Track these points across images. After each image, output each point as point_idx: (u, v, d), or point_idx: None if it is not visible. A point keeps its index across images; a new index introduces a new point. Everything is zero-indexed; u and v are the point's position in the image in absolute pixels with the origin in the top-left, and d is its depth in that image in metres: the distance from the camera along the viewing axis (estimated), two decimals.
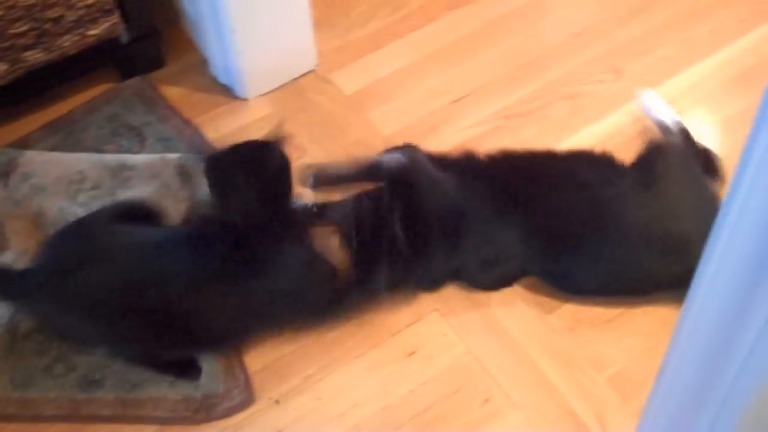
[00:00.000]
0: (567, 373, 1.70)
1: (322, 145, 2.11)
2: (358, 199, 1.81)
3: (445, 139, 2.10)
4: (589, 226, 1.72)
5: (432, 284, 1.81)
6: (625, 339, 1.74)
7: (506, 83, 2.22)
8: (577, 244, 1.73)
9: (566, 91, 2.20)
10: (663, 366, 1.19)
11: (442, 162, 1.86)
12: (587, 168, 1.80)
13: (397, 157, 1.86)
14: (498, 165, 1.83)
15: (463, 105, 2.18)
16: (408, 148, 1.93)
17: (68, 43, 2.05)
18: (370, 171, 1.86)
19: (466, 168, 1.83)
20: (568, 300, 1.80)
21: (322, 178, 1.88)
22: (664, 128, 1.97)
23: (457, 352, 1.74)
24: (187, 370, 1.72)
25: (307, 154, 2.08)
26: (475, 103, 2.18)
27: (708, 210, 1.74)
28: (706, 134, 2.02)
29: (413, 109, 2.18)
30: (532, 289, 1.82)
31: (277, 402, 1.69)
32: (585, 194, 1.74)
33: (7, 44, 1.96)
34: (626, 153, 2.01)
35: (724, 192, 1.85)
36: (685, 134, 1.94)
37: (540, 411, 1.65)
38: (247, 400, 1.69)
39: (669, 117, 1.99)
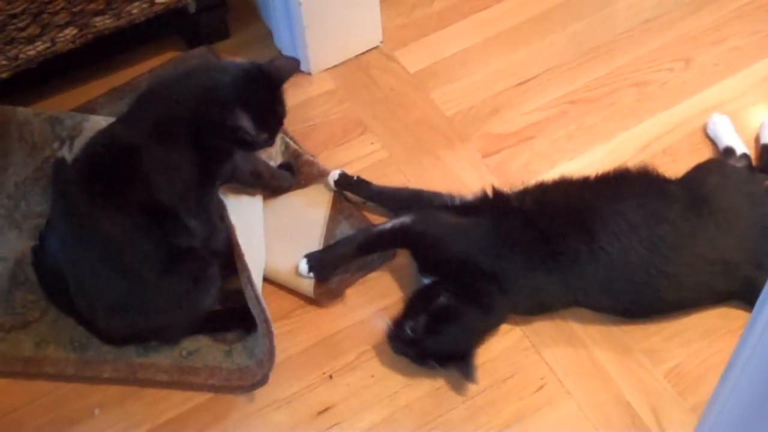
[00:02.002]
0: (623, 364, 1.68)
1: (384, 123, 2.10)
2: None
3: (509, 122, 2.09)
4: (642, 268, 1.65)
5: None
6: (682, 334, 1.72)
7: (573, 68, 2.19)
8: (632, 282, 1.67)
9: (634, 79, 2.16)
10: (729, 367, 1.17)
11: (467, 208, 1.77)
12: (634, 204, 1.69)
13: (400, 220, 1.76)
14: (537, 207, 1.73)
15: (528, 88, 2.16)
16: (421, 206, 1.82)
17: (137, 11, 2.06)
18: (374, 242, 1.79)
19: (500, 210, 1.74)
20: None
21: (322, 264, 1.78)
22: (727, 151, 1.94)
23: (513, 337, 1.73)
24: (241, 322, 1.73)
25: (368, 131, 2.08)
26: (540, 87, 2.16)
27: (763, 231, 1.71)
28: None
29: (477, 91, 2.16)
30: None
31: (330, 377, 1.70)
32: (636, 237, 1.65)
33: (77, 9, 1.97)
34: (689, 146, 2.01)
35: None
36: (747, 161, 1.90)
37: (594, 401, 1.64)
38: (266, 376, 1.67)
39: (736, 143, 1.94)
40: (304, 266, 1.76)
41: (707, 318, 1.73)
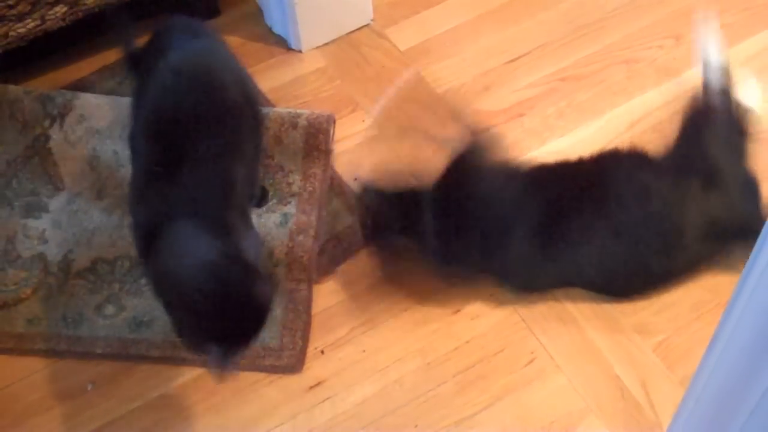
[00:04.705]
0: (612, 338, 1.69)
1: (375, 101, 2.10)
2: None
3: (499, 99, 2.09)
4: (633, 244, 1.65)
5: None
6: (672, 307, 1.73)
7: (563, 45, 2.19)
8: (624, 260, 1.68)
9: (624, 56, 2.16)
10: (714, 339, 1.18)
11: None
12: (625, 183, 1.68)
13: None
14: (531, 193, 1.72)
15: (519, 65, 2.16)
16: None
17: None
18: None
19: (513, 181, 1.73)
20: None
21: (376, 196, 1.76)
22: (715, 92, 1.89)
23: (503, 312, 1.74)
24: None
25: (359, 108, 2.08)
26: (530, 64, 2.16)
27: (746, 187, 1.71)
28: (764, 107, 1.97)
29: (468, 68, 2.16)
30: None
31: (321, 352, 1.71)
32: (625, 214, 1.65)
33: None
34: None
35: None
36: (735, 103, 1.84)
37: (584, 375, 1.65)
38: (294, 367, 1.68)
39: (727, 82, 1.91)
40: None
41: (696, 291, 1.74)
